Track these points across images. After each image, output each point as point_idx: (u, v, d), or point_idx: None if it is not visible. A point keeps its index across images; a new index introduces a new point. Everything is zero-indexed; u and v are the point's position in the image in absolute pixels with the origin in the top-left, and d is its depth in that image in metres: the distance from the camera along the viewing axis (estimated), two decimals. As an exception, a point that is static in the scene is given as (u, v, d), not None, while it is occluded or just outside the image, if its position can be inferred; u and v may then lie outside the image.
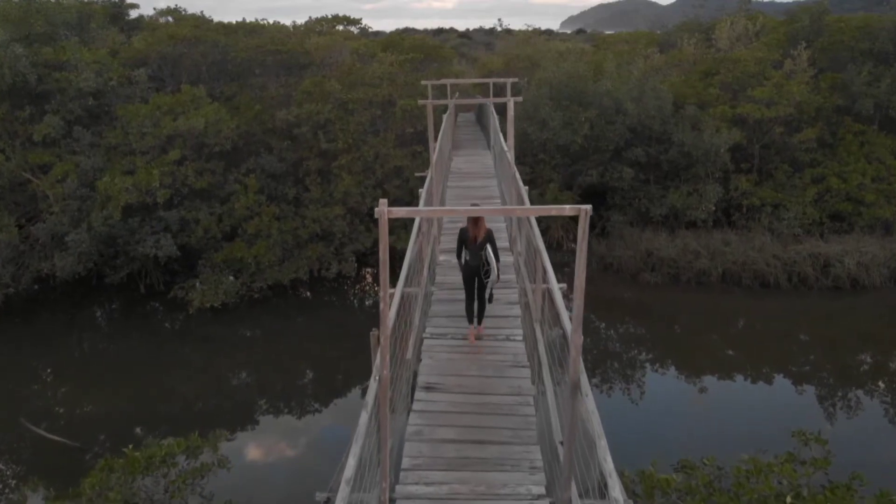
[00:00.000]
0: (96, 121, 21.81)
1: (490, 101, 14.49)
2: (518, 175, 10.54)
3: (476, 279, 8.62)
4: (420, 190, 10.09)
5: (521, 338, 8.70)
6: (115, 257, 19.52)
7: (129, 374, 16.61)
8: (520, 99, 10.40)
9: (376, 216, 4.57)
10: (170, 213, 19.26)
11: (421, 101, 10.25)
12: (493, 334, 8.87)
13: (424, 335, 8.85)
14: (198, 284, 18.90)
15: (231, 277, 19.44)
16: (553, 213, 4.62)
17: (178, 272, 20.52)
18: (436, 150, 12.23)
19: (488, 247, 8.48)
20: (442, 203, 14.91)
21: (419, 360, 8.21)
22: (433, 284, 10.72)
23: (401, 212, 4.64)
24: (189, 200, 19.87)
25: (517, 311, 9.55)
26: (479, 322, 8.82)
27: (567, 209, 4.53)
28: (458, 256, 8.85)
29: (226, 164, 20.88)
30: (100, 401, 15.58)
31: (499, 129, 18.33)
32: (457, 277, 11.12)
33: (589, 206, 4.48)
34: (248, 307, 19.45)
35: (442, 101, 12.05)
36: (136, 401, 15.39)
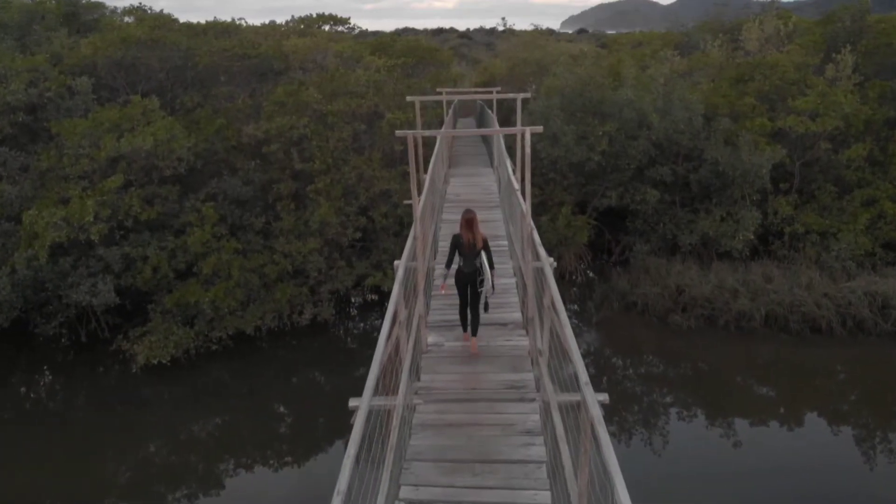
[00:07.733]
0: (34, 139, 18.67)
1: (498, 133, 11.39)
2: (537, 236, 7.38)
3: (469, 287, 8.08)
4: (396, 263, 6.94)
5: (548, 496, 5.55)
6: (45, 304, 16.37)
7: (74, 437, 14.05)
8: (539, 129, 7.29)
9: None
10: (110, 250, 16.06)
11: (400, 133, 7.12)
12: (506, 485, 5.74)
13: (398, 502, 5.71)
14: (145, 337, 15.79)
15: (206, 312, 16.42)
16: None
17: (129, 313, 17.43)
18: (423, 191, 9.09)
19: (483, 254, 8.02)
20: (434, 248, 11.73)
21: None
22: (416, 387, 7.62)
23: None
24: (135, 233, 16.68)
25: (539, 448, 6.35)
26: (474, 333, 8.22)
27: None
28: (449, 264, 8.30)
29: (181, 188, 17.68)
30: (39, 470, 12.81)
31: (503, 148, 15.19)
32: (452, 376, 8.06)
33: None
34: (206, 359, 16.39)
35: (431, 132, 8.93)
36: (83, 469, 12.88)
